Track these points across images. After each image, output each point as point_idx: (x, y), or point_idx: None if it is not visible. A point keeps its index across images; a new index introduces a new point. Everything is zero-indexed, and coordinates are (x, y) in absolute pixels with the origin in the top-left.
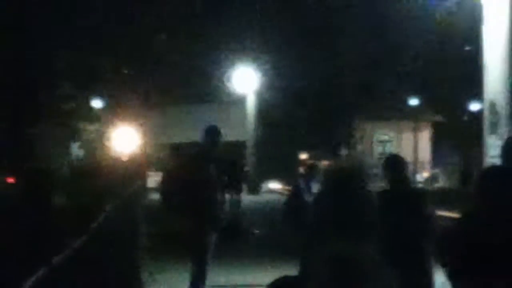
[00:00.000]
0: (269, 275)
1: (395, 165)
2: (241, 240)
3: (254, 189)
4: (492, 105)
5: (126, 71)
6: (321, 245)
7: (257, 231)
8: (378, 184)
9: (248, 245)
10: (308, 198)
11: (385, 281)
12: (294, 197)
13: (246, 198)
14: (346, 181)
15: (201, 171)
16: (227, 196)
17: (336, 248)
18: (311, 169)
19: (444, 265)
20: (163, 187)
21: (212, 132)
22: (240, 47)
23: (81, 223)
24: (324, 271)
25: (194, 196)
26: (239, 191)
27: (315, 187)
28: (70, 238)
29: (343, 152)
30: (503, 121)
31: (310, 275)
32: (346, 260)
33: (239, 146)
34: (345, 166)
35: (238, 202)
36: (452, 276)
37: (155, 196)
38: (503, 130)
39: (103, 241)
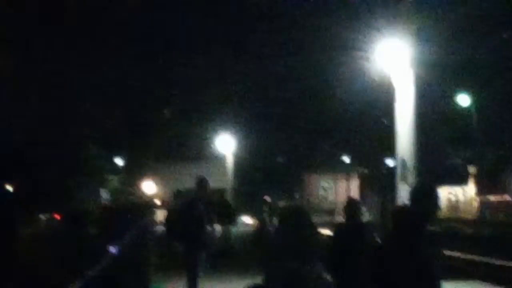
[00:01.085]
0: (243, 283)
1: (350, 206)
2: (230, 255)
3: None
4: (403, 162)
5: (138, 139)
6: (279, 262)
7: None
8: (323, 218)
9: (234, 259)
10: (270, 229)
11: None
12: (260, 227)
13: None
14: (297, 217)
15: (194, 209)
16: (220, 227)
17: (289, 266)
18: (273, 208)
19: (372, 277)
20: (167, 221)
21: (201, 181)
22: (222, 120)
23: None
24: (280, 282)
25: (189, 227)
26: (232, 223)
27: (275, 220)
28: (103, 256)
29: (296, 196)
30: (410, 174)
31: (272, 285)
32: (295, 274)
33: (221, 191)
34: (295, 207)
35: (229, 233)
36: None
37: (161, 228)
38: (411, 180)
39: (124, 258)
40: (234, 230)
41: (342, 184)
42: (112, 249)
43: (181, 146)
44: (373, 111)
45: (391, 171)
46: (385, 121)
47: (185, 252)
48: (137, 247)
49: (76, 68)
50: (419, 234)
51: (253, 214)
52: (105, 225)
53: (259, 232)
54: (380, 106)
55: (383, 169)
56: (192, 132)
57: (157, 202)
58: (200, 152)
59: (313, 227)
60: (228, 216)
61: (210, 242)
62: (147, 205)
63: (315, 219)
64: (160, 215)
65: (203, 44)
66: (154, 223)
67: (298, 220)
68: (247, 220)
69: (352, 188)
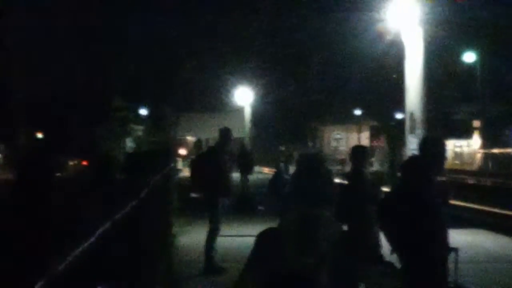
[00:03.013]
0: (259, 228)
1: (357, 153)
2: (250, 212)
3: (252, 171)
4: (411, 115)
5: (161, 91)
6: (294, 208)
7: (261, 208)
8: (335, 167)
9: (254, 214)
10: (286, 177)
11: (333, 230)
12: (277, 176)
13: (248, 177)
14: (313, 165)
15: (216, 158)
16: (238, 175)
17: (303, 210)
18: (288, 157)
19: (380, 226)
20: (192, 168)
21: (226, 132)
22: (241, 74)
23: (135, 189)
24: (295, 225)
25: (212, 175)
26: (250, 172)
27: (291, 169)
28: (130, 199)
29: (310, 146)
30: (418, 126)
31: (286, 228)
32: (308, 217)
33: (241, 141)
34: (311, 154)
35: (247, 180)
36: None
37: (183, 174)
38: (419, 132)
39: (149, 202)
40: (251, 178)
41: (353, 136)
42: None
43: (201, 98)
44: (383, 67)
45: (400, 123)
46: (395, 76)
47: (207, 198)
48: (160, 191)
49: (103, 20)
50: (427, 183)
51: (268, 163)
52: (130, 170)
53: (275, 179)
54: (390, 62)
55: (392, 122)
56: (212, 85)
57: (182, 151)
58: (220, 104)
59: (329, 174)
60: (247, 165)
61: (231, 190)
62: (168, 153)
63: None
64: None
65: None
66: (176, 170)
67: (316, 166)
68: (264, 169)
69: (362, 139)
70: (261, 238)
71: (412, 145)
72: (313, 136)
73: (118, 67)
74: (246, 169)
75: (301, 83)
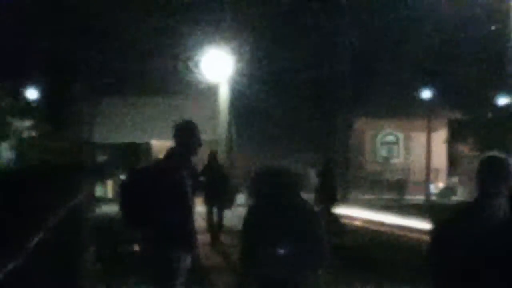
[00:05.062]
0: None
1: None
2: None
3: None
4: None
5: (66, 51)
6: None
7: None
8: (384, 195)
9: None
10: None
11: None
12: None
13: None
14: (279, 188)
15: (172, 180)
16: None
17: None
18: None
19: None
20: (124, 197)
21: (187, 129)
22: (211, 25)
23: (8, 244)
24: None
25: (163, 208)
26: (228, 204)
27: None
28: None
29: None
30: None
31: None
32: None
33: (213, 154)
34: (273, 169)
35: (221, 218)
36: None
37: (108, 208)
38: None
39: (40, 265)
40: (229, 215)
41: (418, 137)
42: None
43: (142, 70)
44: (474, 12)
45: (505, 115)
46: (494, 28)
47: (154, 252)
48: (64, 246)
49: None
50: None
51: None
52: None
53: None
54: (486, 4)
55: (489, 112)
56: (162, 47)
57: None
58: (176, 82)
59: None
60: (222, 191)
61: (195, 238)
62: (80, 168)
63: (363, 198)
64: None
65: None
66: (97, 201)
67: (284, 191)
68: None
69: (435, 142)
70: None
71: None
72: (340, 138)
73: None
74: (219, 199)
75: (319, 43)
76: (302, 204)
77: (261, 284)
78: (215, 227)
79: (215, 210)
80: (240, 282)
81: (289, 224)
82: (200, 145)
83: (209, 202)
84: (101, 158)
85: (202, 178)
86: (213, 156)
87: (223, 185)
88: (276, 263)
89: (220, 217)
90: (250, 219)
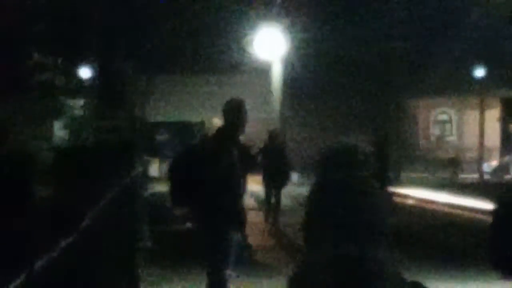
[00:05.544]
0: None
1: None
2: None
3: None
4: None
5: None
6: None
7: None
8: (439, 174)
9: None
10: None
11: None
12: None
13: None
14: (345, 167)
15: (221, 157)
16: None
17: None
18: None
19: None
20: (173, 176)
21: (237, 107)
22: (264, 2)
23: (67, 222)
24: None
25: (212, 187)
26: (284, 182)
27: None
28: (55, 240)
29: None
30: None
31: (309, 275)
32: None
33: (273, 133)
34: (344, 146)
35: (279, 198)
36: None
37: (159, 188)
38: None
39: (93, 246)
40: (287, 193)
41: (471, 115)
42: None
43: (193, 49)
44: None
45: None
46: None
47: (204, 230)
48: (117, 221)
49: None
50: None
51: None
52: (60, 181)
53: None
54: None
55: None
56: (213, 26)
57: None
58: (228, 60)
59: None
60: (279, 170)
61: (246, 216)
62: (132, 149)
63: (416, 176)
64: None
65: None
66: (147, 179)
67: (352, 171)
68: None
69: (488, 121)
70: None
71: None
72: (396, 118)
73: None
74: (276, 178)
75: (371, 22)
76: (370, 184)
77: (332, 261)
78: (274, 208)
79: (273, 190)
80: (303, 260)
81: (356, 201)
82: (246, 122)
83: (267, 183)
84: (158, 137)
85: (259, 157)
86: (274, 135)
87: (282, 165)
88: (346, 239)
89: (278, 198)
90: (317, 196)
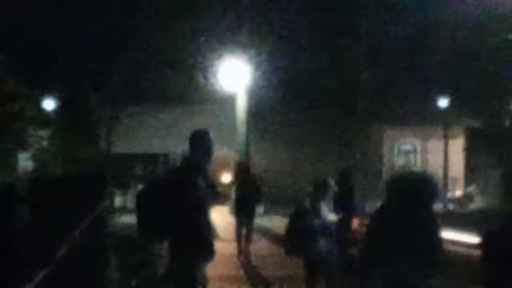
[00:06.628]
0: None
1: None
2: None
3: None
4: None
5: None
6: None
7: None
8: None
9: None
10: (315, 222)
11: None
12: (297, 220)
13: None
14: (419, 194)
15: (188, 188)
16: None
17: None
18: (320, 187)
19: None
20: (141, 206)
21: (203, 138)
22: (228, 34)
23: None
24: None
25: (179, 218)
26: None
27: (325, 209)
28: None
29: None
30: None
31: None
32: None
33: (243, 164)
34: (418, 175)
35: (251, 227)
36: None
37: (126, 219)
38: None
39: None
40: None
41: (435, 145)
42: None
43: (156, 79)
44: (492, 19)
45: None
46: (510, 36)
47: (171, 260)
48: (89, 252)
49: None
50: None
51: (280, 197)
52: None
53: (295, 226)
54: (505, 11)
55: (507, 120)
56: (178, 56)
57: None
58: (193, 91)
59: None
60: (254, 204)
61: (213, 247)
62: (100, 181)
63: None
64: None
65: None
66: (113, 212)
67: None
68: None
69: (452, 151)
70: None
71: None
72: (361, 148)
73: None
74: (248, 208)
75: (339, 50)
76: (429, 213)
77: (387, 285)
78: (245, 239)
79: (244, 221)
80: (362, 282)
81: (415, 230)
82: (212, 153)
83: (238, 214)
84: (121, 168)
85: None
86: (243, 167)
87: (254, 196)
88: (402, 266)
89: (250, 229)
90: (378, 222)
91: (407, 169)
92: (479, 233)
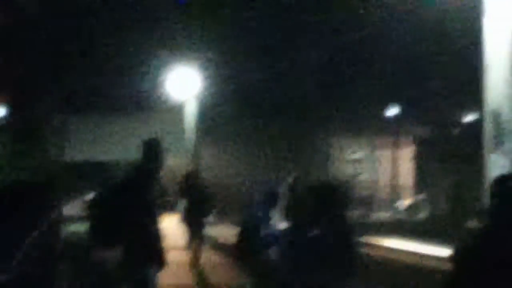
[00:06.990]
0: None
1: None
2: None
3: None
4: (496, 115)
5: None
6: None
7: None
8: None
9: None
10: (264, 232)
11: None
12: (247, 229)
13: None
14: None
15: (140, 196)
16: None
17: None
18: (268, 195)
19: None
20: (93, 214)
21: (154, 147)
22: (177, 42)
23: None
24: None
25: (131, 225)
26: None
27: (275, 218)
28: None
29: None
30: (509, 135)
31: None
32: None
33: (193, 172)
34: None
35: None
36: None
37: (76, 227)
38: (509, 146)
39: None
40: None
41: (384, 154)
42: None
43: (108, 89)
44: (443, 27)
45: (474, 131)
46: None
47: (122, 267)
48: (40, 261)
49: None
50: None
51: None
52: None
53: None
54: (456, 19)
55: (455, 129)
56: (126, 65)
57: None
58: (142, 99)
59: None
60: (204, 212)
61: (164, 253)
62: (48, 190)
63: None
64: (77, 205)
65: None
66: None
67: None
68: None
69: (402, 160)
70: None
71: (496, 168)
72: (310, 157)
73: None
74: (198, 217)
75: (287, 59)
76: (341, 221)
77: None
78: (196, 247)
79: (195, 229)
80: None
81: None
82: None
83: (189, 222)
84: (70, 177)
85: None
86: (192, 175)
87: (204, 205)
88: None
89: (201, 237)
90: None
91: (355, 178)
92: (442, 244)
